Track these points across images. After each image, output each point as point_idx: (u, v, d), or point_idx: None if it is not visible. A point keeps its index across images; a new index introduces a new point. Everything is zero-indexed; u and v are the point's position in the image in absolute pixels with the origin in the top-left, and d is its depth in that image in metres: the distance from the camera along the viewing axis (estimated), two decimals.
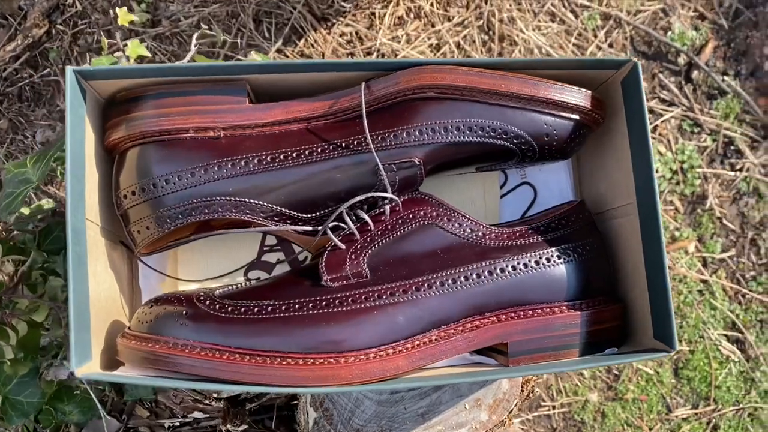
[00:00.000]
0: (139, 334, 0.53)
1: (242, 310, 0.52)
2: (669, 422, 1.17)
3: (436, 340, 0.53)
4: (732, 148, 1.18)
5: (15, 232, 0.66)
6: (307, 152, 0.55)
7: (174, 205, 0.55)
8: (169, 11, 1.21)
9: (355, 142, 0.55)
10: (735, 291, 1.15)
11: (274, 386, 0.50)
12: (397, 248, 0.55)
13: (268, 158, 0.55)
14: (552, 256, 0.56)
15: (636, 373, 1.19)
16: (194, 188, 0.54)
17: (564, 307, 0.55)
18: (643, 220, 0.55)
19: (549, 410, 1.16)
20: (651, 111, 1.17)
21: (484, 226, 0.56)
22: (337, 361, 0.51)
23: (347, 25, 1.20)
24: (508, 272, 0.54)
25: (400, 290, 0.53)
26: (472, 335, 0.54)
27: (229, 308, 0.52)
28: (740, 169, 1.16)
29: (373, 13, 1.21)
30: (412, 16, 1.25)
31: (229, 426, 0.63)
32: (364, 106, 0.54)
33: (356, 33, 1.19)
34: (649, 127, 0.53)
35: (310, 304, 0.52)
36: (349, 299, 0.53)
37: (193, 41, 0.76)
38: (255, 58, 0.79)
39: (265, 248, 0.63)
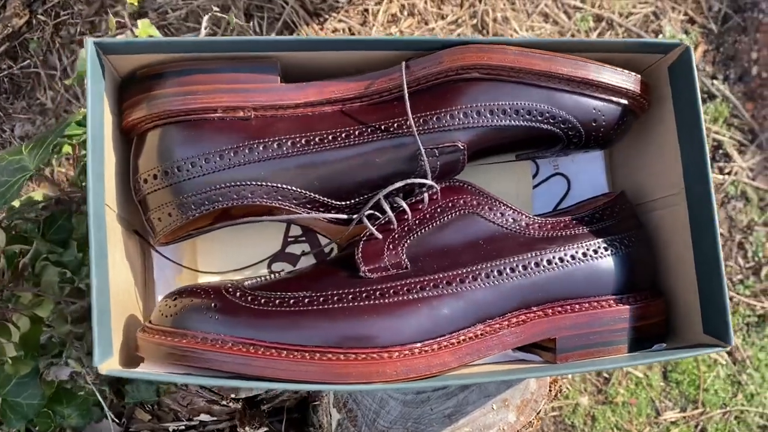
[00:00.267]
0: (163, 328, 0.49)
1: (276, 302, 0.49)
2: (658, 425, 1.17)
3: (482, 334, 0.50)
4: (720, 151, 1.17)
5: (15, 221, 0.61)
6: (343, 135, 0.52)
7: (200, 191, 0.51)
8: (156, 3, 1.17)
9: (395, 125, 0.52)
10: None
11: (313, 383, 0.47)
12: (437, 238, 0.52)
13: (303, 141, 0.51)
14: (599, 247, 0.53)
15: (626, 376, 1.18)
16: (222, 172, 0.51)
17: (612, 301, 0.53)
18: (693, 211, 0.53)
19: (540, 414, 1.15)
20: None
21: (527, 216, 0.53)
22: (380, 356, 0.47)
23: (340, 21, 1.17)
24: (555, 264, 0.52)
25: (444, 282, 0.50)
26: (519, 330, 0.51)
27: (263, 300, 0.49)
28: (728, 173, 1.16)
29: (366, 10, 1.19)
30: (405, 13, 1.23)
31: (247, 428, 0.59)
32: (405, 86, 0.51)
33: (349, 29, 1.17)
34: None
35: (350, 296, 0.49)
36: (391, 291, 0.49)
37: (204, 23, 0.72)
38: None
39: (289, 239, 0.59)
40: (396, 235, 0.52)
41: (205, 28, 0.72)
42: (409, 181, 0.52)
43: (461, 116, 0.51)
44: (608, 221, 0.55)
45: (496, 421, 0.65)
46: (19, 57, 1.24)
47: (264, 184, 0.51)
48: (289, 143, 0.51)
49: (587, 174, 0.64)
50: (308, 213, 0.52)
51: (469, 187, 0.54)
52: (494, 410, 0.65)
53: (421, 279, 0.50)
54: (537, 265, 0.51)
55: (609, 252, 0.53)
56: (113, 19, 0.66)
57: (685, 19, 1.25)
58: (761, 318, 1.15)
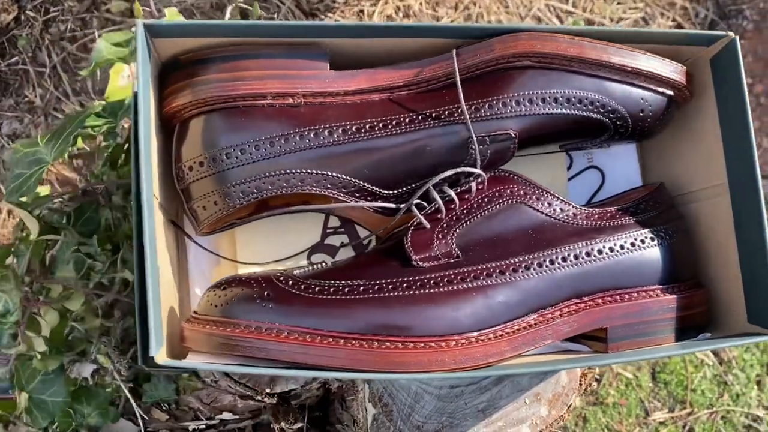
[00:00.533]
0: (213, 318, 0.48)
1: (331, 290, 0.48)
2: (647, 426, 1.18)
3: (535, 324, 0.50)
4: None
5: (43, 211, 0.59)
6: (394, 122, 0.51)
7: (248, 178, 0.50)
8: (148, 2, 1.15)
9: (446, 113, 0.51)
10: None
11: (370, 372, 0.46)
12: (486, 228, 0.52)
13: (353, 128, 0.51)
14: (646, 237, 0.53)
15: (616, 377, 1.19)
16: (272, 159, 0.50)
17: (659, 291, 0.53)
18: (738, 203, 0.53)
19: None
20: None
21: (573, 206, 0.53)
22: (439, 345, 0.46)
23: (335, 21, 1.17)
24: (606, 253, 0.52)
25: (497, 271, 0.50)
26: (572, 320, 0.50)
27: (317, 288, 0.48)
28: None
29: (362, 11, 1.19)
30: (400, 14, 1.24)
31: (282, 424, 0.58)
32: (458, 74, 0.51)
33: None
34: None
35: (404, 284, 0.48)
36: (444, 279, 0.49)
37: (228, 12, 0.71)
38: None
39: (328, 230, 0.58)
40: (444, 225, 0.51)
41: (229, 18, 0.71)
42: (459, 169, 0.51)
43: (513, 104, 0.51)
44: (651, 212, 0.55)
45: (528, 415, 0.64)
46: (7, 53, 1.21)
47: (314, 172, 0.50)
48: (339, 131, 0.50)
49: (621, 167, 0.64)
50: (356, 201, 0.51)
51: (516, 177, 0.53)
52: (527, 404, 0.65)
53: (474, 268, 0.50)
54: (588, 254, 0.51)
55: (655, 242, 0.53)
56: (140, 7, 0.65)
57: (673, 24, 1.27)
58: None
